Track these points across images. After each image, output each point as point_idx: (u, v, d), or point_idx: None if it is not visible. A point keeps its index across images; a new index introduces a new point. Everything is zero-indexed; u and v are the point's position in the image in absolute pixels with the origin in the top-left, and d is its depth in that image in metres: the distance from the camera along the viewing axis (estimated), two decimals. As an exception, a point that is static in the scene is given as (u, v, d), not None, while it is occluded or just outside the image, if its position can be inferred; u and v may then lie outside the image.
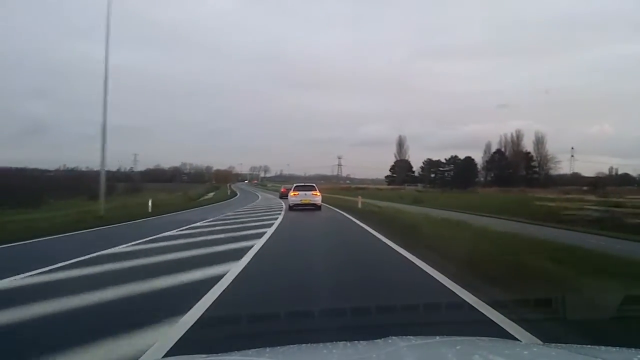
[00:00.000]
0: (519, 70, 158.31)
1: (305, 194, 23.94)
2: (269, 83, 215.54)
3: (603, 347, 1.79)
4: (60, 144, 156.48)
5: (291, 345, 1.95)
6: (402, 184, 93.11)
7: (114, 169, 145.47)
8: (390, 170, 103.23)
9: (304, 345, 1.96)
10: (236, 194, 63.18)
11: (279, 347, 1.93)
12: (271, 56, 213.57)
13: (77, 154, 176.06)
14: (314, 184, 26.51)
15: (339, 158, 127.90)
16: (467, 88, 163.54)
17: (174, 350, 3.38)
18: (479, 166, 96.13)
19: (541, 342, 2.97)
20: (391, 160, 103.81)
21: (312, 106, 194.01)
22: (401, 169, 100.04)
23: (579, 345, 1.96)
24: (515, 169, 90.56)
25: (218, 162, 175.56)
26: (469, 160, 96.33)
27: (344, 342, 1.91)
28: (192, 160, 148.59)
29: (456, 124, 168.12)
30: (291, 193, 24.79)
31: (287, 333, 3.65)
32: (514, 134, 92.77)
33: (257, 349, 1.91)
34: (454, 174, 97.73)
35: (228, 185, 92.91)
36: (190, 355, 2.34)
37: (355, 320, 4.10)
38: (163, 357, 3.18)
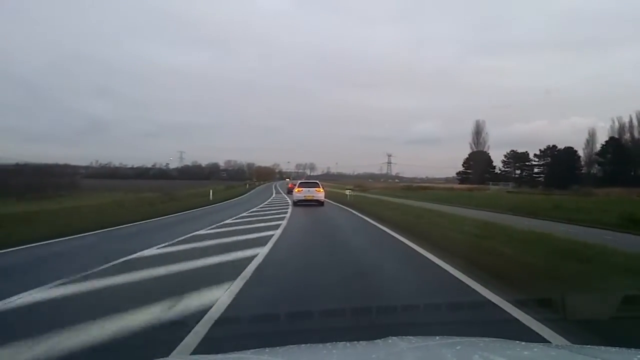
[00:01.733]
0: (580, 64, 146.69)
1: (309, 190, 24.72)
2: (320, 81, 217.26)
3: (603, 347, 1.82)
4: (114, 141, 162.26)
5: (291, 346, 1.93)
6: (481, 183, 72.87)
7: (149, 165, 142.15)
8: (463, 165, 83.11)
9: (303, 345, 1.93)
10: (245, 194, 47.73)
11: (278, 348, 1.90)
12: (322, 54, 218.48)
13: (135, 151, 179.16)
14: (317, 181, 28.35)
15: (389, 156, 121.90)
16: (528, 83, 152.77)
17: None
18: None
19: (541, 342, 2.69)
20: (445, 158, 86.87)
21: (362, 104, 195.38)
22: (478, 164, 79.34)
23: (579, 345, 1.98)
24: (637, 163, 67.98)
25: (266, 160, 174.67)
26: (569, 152, 74.32)
27: (344, 342, 1.88)
28: (240, 158, 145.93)
29: (514, 122, 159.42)
30: (296, 189, 25.61)
31: None
32: (637, 116, 69.57)
33: (256, 349, 1.89)
34: (550, 170, 76.15)
35: (246, 183, 75.35)
36: (191, 356, 2.41)
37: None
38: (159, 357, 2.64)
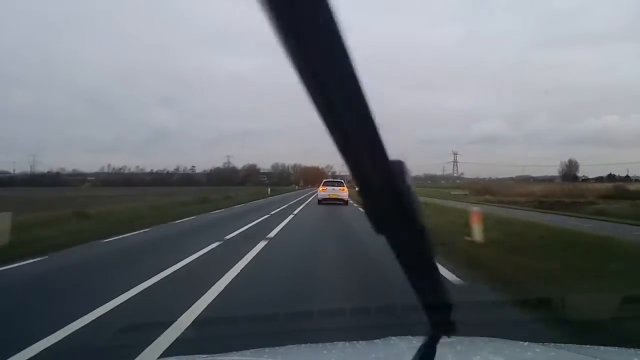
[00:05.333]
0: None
1: (333, 189, 25.93)
2: (375, 81, 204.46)
3: (603, 347, 1.77)
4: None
5: (290, 345, 1.95)
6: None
7: (171, 169, 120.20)
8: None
9: (303, 345, 1.95)
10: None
11: (278, 347, 1.92)
12: (379, 55, 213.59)
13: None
14: (342, 180, 28.68)
15: (455, 154, 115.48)
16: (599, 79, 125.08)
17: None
18: None
19: (541, 342, 2.34)
20: (512, 157, 73.37)
21: (419, 105, 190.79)
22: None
23: (579, 345, 1.90)
24: None
25: (320, 163, 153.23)
26: None
27: (344, 342, 1.89)
28: (290, 162, 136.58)
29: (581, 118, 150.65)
30: (320, 188, 26.94)
31: None
32: None
33: (256, 349, 1.90)
34: None
35: (230, 195, 48.53)
36: (190, 356, 2.28)
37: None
38: (159, 357, 3.13)
